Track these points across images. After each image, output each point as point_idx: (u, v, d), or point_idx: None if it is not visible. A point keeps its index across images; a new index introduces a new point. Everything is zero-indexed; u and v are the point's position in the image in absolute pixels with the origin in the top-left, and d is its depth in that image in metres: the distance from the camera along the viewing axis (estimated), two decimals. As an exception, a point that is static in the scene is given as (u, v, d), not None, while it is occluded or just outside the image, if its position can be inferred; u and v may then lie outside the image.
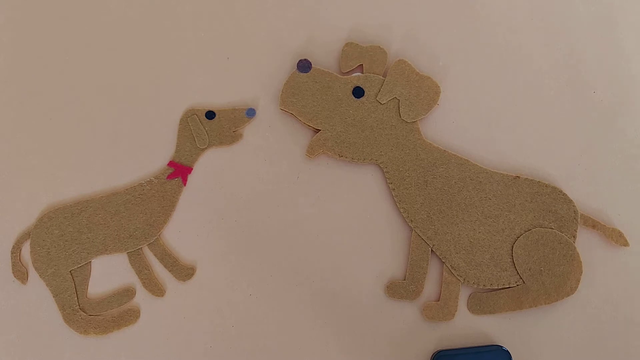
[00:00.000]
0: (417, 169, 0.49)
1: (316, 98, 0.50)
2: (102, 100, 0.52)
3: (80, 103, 0.52)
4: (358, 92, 0.50)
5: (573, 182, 0.50)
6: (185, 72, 0.52)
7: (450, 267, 0.48)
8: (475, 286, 0.48)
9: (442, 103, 0.51)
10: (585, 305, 0.49)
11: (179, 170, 0.50)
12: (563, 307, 0.49)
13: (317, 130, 0.50)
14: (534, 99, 0.51)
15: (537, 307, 0.48)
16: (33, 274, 0.49)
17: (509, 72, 0.52)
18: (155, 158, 0.51)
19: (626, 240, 0.49)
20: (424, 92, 0.50)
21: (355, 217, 0.50)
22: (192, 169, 0.51)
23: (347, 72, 0.51)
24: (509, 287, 0.48)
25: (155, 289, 0.49)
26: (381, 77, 0.50)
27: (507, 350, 0.47)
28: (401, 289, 0.49)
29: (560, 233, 0.48)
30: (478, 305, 0.48)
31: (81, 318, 0.49)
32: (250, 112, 0.51)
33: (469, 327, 0.49)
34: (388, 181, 0.50)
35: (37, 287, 0.49)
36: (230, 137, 0.51)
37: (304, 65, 0.50)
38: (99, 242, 0.49)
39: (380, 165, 0.50)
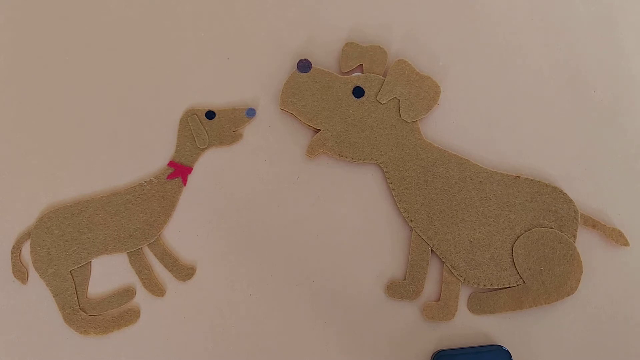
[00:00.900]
0: (417, 168, 0.49)
1: (316, 98, 0.50)
2: (102, 100, 0.52)
3: (81, 103, 0.52)
4: (358, 92, 0.50)
5: (573, 182, 0.50)
6: (185, 72, 0.52)
7: (450, 267, 0.48)
8: (476, 286, 0.48)
9: (442, 103, 0.51)
10: (585, 305, 0.49)
11: (179, 170, 0.50)
12: (563, 307, 0.49)
13: (317, 130, 0.50)
14: (534, 99, 0.51)
15: (537, 307, 0.48)
16: (33, 274, 0.49)
17: (509, 72, 0.52)
18: (155, 158, 0.51)
19: (626, 240, 0.49)
20: (424, 92, 0.50)
21: (355, 217, 0.50)
22: (192, 169, 0.51)
23: (347, 72, 0.51)
24: (509, 287, 0.48)
25: (155, 289, 0.49)
26: (381, 77, 0.50)
27: (507, 350, 0.47)
28: (401, 289, 0.49)
29: (560, 233, 0.48)
30: (478, 305, 0.48)
31: (81, 318, 0.49)
32: (250, 112, 0.51)
33: (469, 327, 0.49)
34: (388, 181, 0.50)
35: (37, 287, 0.49)
36: (230, 137, 0.51)
37: (304, 65, 0.50)
38: (99, 242, 0.49)
39: (380, 165, 0.50)
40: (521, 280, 0.48)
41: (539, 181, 0.49)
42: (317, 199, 0.50)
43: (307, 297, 0.49)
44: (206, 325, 0.49)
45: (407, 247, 0.49)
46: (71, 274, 0.49)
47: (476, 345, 0.48)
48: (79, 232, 0.49)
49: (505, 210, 0.49)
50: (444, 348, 0.48)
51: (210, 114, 0.51)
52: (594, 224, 0.49)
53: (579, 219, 0.48)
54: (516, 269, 0.48)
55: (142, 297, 0.50)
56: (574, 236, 0.48)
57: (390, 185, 0.49)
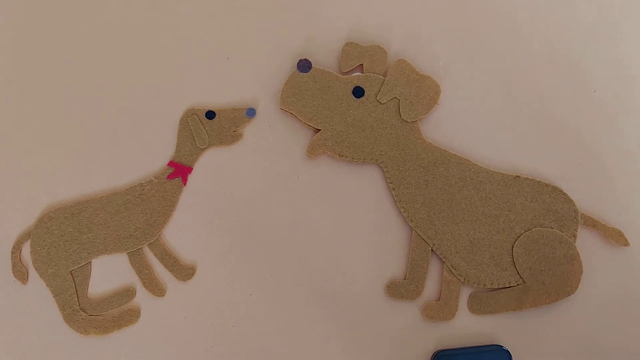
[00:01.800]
0: (417, 168, 0.49)
1: (316, 98, 0.50)
2: (102, 100, 0.52)
3: (81, 103, 0.52)
4: (358, 91, 0.50)
5: (573, 182, 0.50)
6: (185, 72, 0.52)
7: (450, 267, 0.48)
8: (476, 286, 0.48)
9: (442, 103, 0.51)
10: (585, 305, 0.49)
11: (179, 170, 0.50)
12: (563, 307, 0.49)
13: (317, 130, 0.50)
14: (534, 98, 0.51)
15: (538, 307, 0.48)
16: (33, 274, 0.49)
17: (509, 72, 0.52)
18: (155, 158, 0.51)
19: (626, 240, 0.49)
20: (424, 92, 0.50)
21: (355, 217, 0.50)
22: (192, 169, 0.51)
23: (347, 71, 0.51)
24: (510, 287, 0.48)
25: (156, 289, 0.49)
26: (381, 76, 0.50)
27: (507, 350, 0.47)
28: (401, 288, 0.49)
29: (560, 233, 0.48)
30: (478, 305, 0.48)
31: (81, 318, 0.49)
32: (250, 112, 0.51)
33: (469, 327, 0.49)
34: (388, 181, 0.50)
35: (37, 287, 0.49)
36: (230, 137, 0.51)
37: (304, 65, 0.50)
38: (99, 242, 0.49)
39: (380, 165, 0.50)
40: (521, 280, 0.48)
41: (539, 181, 0.49)
42: (317, 199, 0.50)
43: (307, 297, 0.49)
44: (206, 325, 0.49)
45: (407, 247, 0.49)
46: (71, 274, 0.49)
47: (476, 345, 0.48)
48: (79, 232, 0.49)
49: (505, 210, 0.49)
50: (444, 348, 0.48)
51: (210, 114, 0.51)
52: (594, 224, 0.49)
53: (579, 219, 0.48)
54: (516, 269, 0.48)
55: (142, 297, 0.50)
56: (574, 236, 0.48)
57: (390, 185, 0.49)
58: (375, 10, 0.52)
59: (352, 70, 0.51)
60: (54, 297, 0.49)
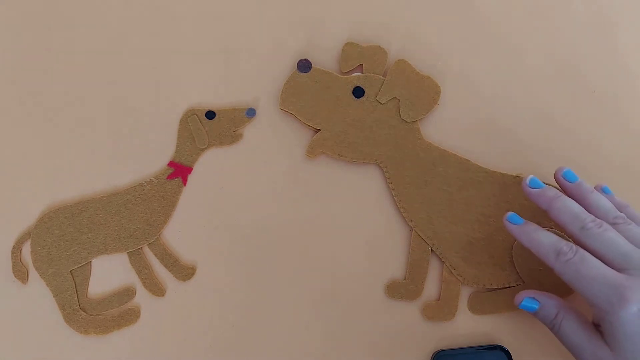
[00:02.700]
0: (417, 168, 0.49)
1: (316, 98, 0.50)
2: (102, 100, 0.52)
3: (81, 103, 0.52)
4: (358, 92, 0.50)
5: (573, 182, 0.50)
6: (185, 72, 0.52)
7: (450, 267, 0.48)
8: (475, 286, 0.48)
9: (442, 103, 0.51)
10: (584, 305, 0.49)
11: (179, 170, 0.50)
12: (563, 307, 0.49)
13: (317, 130, 0.50)
14: (534, 98, 0.51)
15: (537, 307, 0.48)
16: (33, 273, 0.49)
17: (509, 72, 0.52)
18: (155, 158, 0.51)
19: (626, 240, 0.49)
20: (424, 92, 0.50)
21: (355, 217, 0.50)
22: (192, 169, 0.51)
23: (347, 72, 0.51)
24: (509, 287, 0.48)
25: (156, 288, 0.49)
26: (381, 77, 0.50)
27: (507, 350, 0.47)
28: (401, 288, 0.49)
29: (560, 232, 0.48)
30: (478, 305, 0.48)
31: (81, 318, 0.49)
32: (250, 112, 0.51)
33: (469, 327, 0.49)
34: (388, 181, 0.50)
35: (37, 287, 0.49)
36: (230, 137, 0.51)
37: (304, 65, 0.50)
38: (99, 242, 0.50)
39: (380, 165, 0.50)
40: (521, 280, 0.48)
41: (539, 181, 0.49)
42: (317, 199, 0.50)
43: (307, 297, 0.49)
44: (206, 325, 0.49)
45: (407, 247, 0.49)
46: (71, 274, 0.49)
47: (476, 345, 0.48)
48: (79, 232, 0.49)
49: (505, 210, 0.48)
50: (444, 348, 0.48)
51: (210, 114, 0.51)
52: (593, 224, 0.49)
53: (579, 219, 0.48)
54: (516, 269, 0.48)
55: (142, 297, 0.50)
56: (573, 236, 0.48)
57: (390, 185, 0.49)
58: (375, 10, 0.52)
59: (352, 71, 0.51)
60: (54, 296, 0.49)
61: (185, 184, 0.50)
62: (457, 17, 0.52)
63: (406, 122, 0.50)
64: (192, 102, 0.51)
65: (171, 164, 0.50)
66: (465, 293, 0.49)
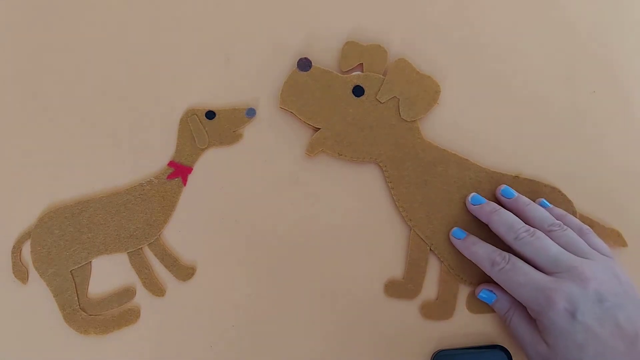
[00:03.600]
0: (417, 168, 0.49)
1: (316, 97, 0.50)
2: (102, 100, 0.52)
3: (81, 103, 0.52)
4: (358, 90, 0.50)
5: (572, 182, 0.50)
6: (185, 72, 0.52)
7: (448, 266, 0.48)
8: (473, 285, 0.48)
9: (442, 103, 0.51)
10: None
11: (179, 170, 0.50)
12: (563, 307, 0.49)
13: (317, 129, 0.50)
14: (534, 98, 0.51)
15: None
16: (33, 273, 0.49)
17: (509, 71, 0.52)
18: (155, 158, 0.51)
19: (624, 241, 0.49)
20: (424, 91, 0.50)
21: (355, 216, 0.50)
22: (192, 169, 0.51)
23: (347, 70, 0.51)
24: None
25: (156, 288, 0.49)
26: (381, 76, 0.50)
27: (507, 350, 0.47)
28: (400, 288, 0.49)
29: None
30: (476, 304, 0.49)
31: (81, 318, 0.49)
32: (250, 112, 0.51)
33: (468, 326, 0.49)
34: (387, 180, 0.50)
35: (37, 287, 0.49)
36: (230, 137, 0.51)
37: (304, 64, 0.50)
38: (99, 242, 0.50)
39: (380, 164, 0.50)
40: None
41: (538, 181, 0.49)
42: (316, 199, 0.50)
43: (306, 296, 0.49)
44: (206, 325, 0.49)
45: (406, 246, 0.50)
46: (71, 274, 0.49)
47: (476, 345, 0.48)
48: (79, 232, 0.49)
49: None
50: (444, 348, 0.48)
51: (210, 114, 0.51)
52: (592, 225, 0.49)
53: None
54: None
55: (142, 297, 0.50)
56: (573, 236, 0.48)
57: (390, 184, 0.49)
58: (375, 10, 0.52)
59: (352, 69, 0.51)
60: (54, 296, 0.49)
61: (185, 184, 0.50)
62: (458, 17, 0.52)
63: (406, 121, 0.50)
64: (192, 102, 0.51)
65: (171, 164, 0.50)
66: (464, 292, 0.49)
